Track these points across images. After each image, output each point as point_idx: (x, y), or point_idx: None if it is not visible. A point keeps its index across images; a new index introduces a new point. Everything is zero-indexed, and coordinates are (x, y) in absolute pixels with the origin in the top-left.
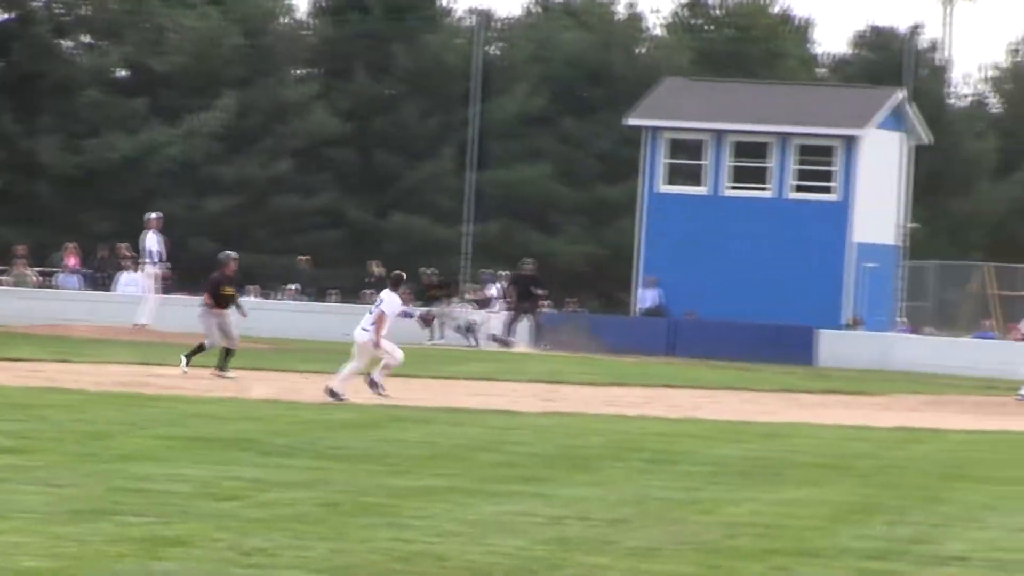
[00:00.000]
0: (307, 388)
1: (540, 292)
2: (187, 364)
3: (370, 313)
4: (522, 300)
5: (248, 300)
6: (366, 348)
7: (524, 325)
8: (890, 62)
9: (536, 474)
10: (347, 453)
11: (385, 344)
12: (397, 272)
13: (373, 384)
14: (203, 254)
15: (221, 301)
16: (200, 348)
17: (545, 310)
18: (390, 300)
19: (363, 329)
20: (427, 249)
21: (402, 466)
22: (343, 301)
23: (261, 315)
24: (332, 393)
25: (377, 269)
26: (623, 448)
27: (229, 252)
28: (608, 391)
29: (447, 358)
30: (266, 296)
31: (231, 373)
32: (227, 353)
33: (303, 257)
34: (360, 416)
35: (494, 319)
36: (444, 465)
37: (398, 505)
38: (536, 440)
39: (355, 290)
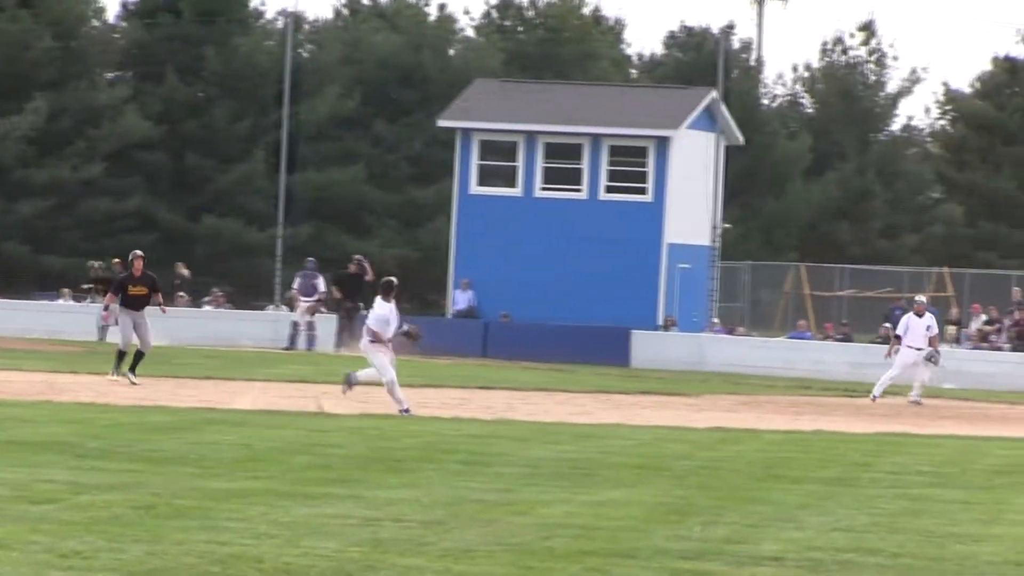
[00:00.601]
0: (119, 391)
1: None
2: (123, 374)
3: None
4: (350, 299)
5: (62, 304)
6: (372, 350)
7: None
8: (702, 63)
9: (350, 476)
10: (162, 456)
11: (381, 358)
12: (387, 279)
13: (350, 382)
14: (14, 257)
15: (131, 302)
16: (122, 355)
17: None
18: (377, 309)
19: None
20: (239, 251)
21: (217, 469)
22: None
23: (70, 318)
24: (402, 411)
25: (183, 271)
26: (437, 450)
27: (136, 251)
28: (422, 392)
29: (262, 360)
30: (78, 299)
31: (135, 378)
32: (138, 356)
33: (116, 260)
34: (174, 419)
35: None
36: (259, 467)
37: (213, 507)
38: (350, 442)
39: (167, 293)
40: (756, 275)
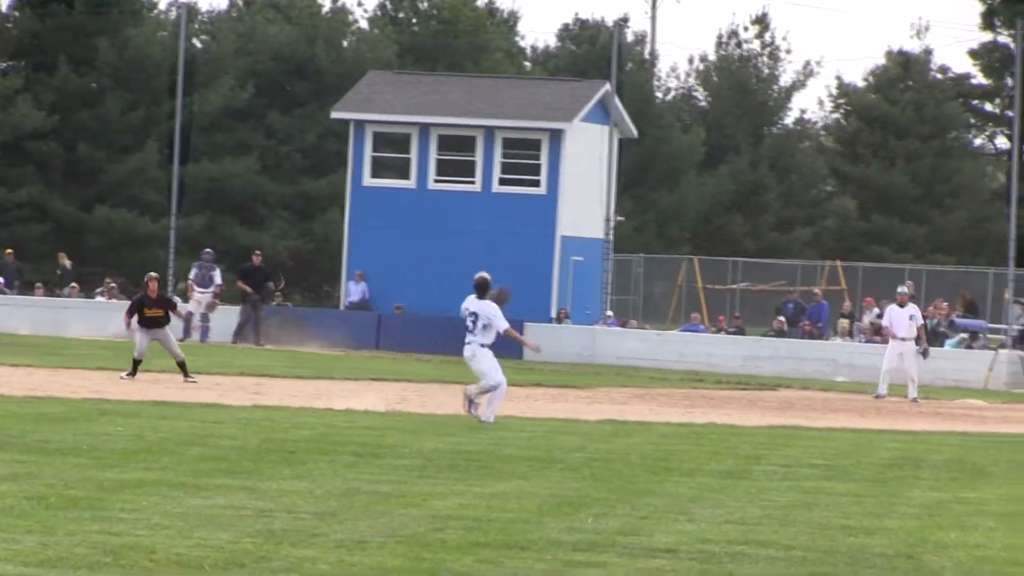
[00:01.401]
0: (12, 381)
1: (271, 285)
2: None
3: (469, 332)
4: (256, 291)
5: None
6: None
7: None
8: (596, 55)
9: (243, 467)
10: (54, 446)
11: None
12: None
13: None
14: None
15: (147, 323)
16: (137, 362)
17: (275, 303)
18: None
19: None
20: (132, 242)
21: (109, 459)
22: (48, 295)
23: None
24: (477, 416)
25: (65, 262)
26: (330, 441)
27: (151, 273)
28: (315, 384)
29: (153, 352)
30: None
31: (189, 379)
32: (180, 366)
33: (8, 251)
34: (67, 409)
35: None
36: (152, 459)
37: (106, 498)
38: (243, 434)
39: (54, 283)
40: (649, 268)
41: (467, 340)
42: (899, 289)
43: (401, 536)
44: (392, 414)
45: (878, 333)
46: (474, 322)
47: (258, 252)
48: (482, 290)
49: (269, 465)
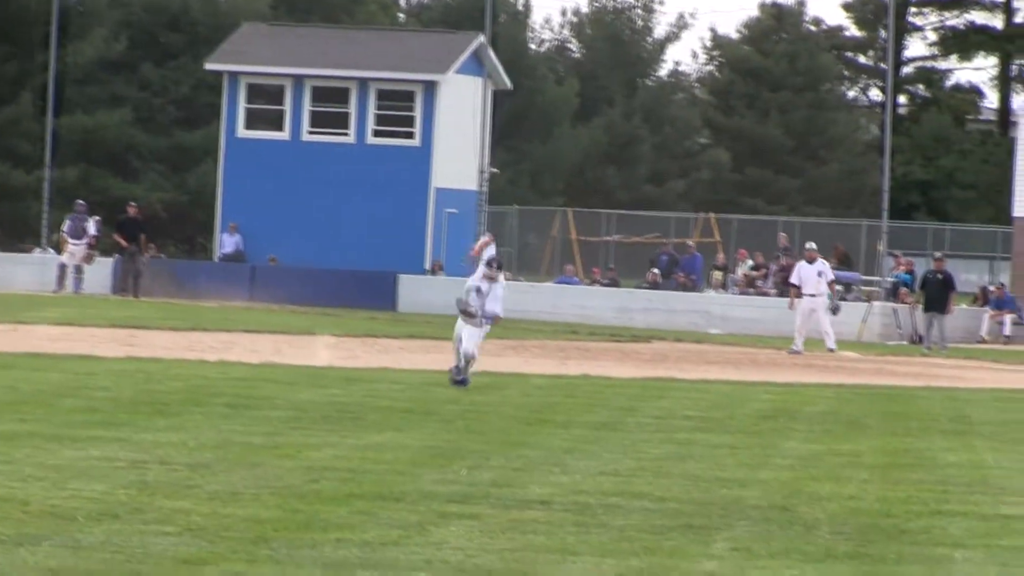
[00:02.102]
0: None
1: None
2: None
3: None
4: (131, 243)
5: None
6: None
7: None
8: (470, 7)
9: (117, 419)
10: None
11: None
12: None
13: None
14: None
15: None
16: None
17: (150, 255)
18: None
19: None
20: (5, 194)
21: None
22: None
23: None
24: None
25: None
26: (204, 393)
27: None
28: (189, 336)
29: (27, 303)
30: None
31: None
32: None
33: None
34: None
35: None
36: (25, 411)
37: None
38: (116, 385)
39: None
40: (523, 220)
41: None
42: (807, 245)
43: (275, 487)
44: (266, 365)
45: (751, 285)
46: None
47: (133, 203)
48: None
49: (143, 417)
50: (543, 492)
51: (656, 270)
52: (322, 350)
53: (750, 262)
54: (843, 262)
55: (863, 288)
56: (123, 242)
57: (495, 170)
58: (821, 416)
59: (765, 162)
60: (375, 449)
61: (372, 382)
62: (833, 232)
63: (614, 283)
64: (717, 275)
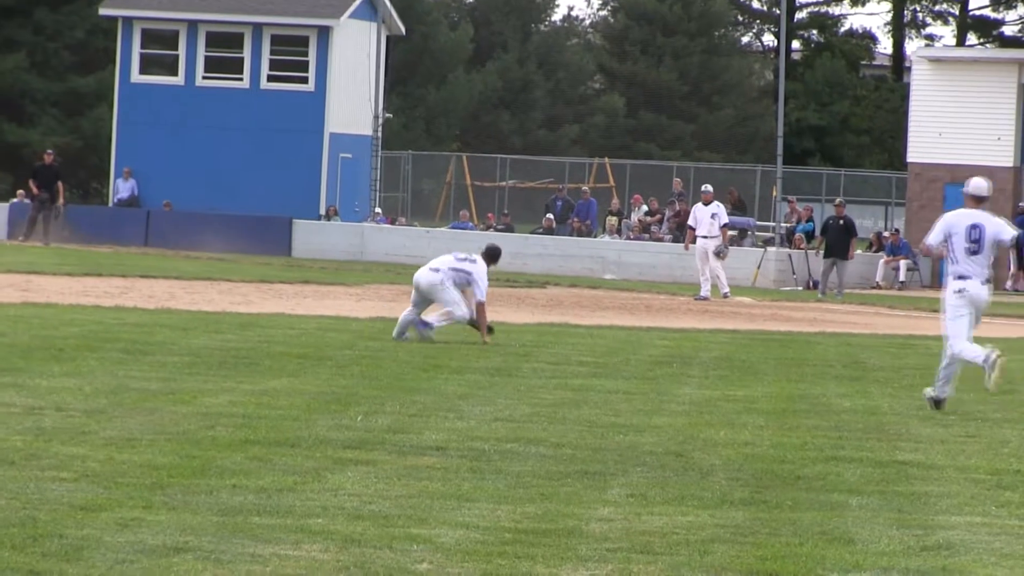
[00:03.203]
0: None
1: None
2: None
3: (456, 258)
4: (43, 190)
5: None
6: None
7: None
8: None
9: (12, 365)
10: None
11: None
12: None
13: (426, 324)
14: None
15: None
16: None
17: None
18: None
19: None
20: None
21: None
22: None
23: None
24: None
25: None
26: (99, 339)
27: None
28: (83, 282)
29: None
30: None
31: None
32: None
33: None
34: None
35: None
36: None
37: None
38: (11, 331)
39: None
40: (417, 165)
41: (435, 268)
42: (704, 187)
43: (171, 433)
44: (161, 311)
45: (646, 231)
46: (465, 277)
47: (50, 151)
48: (493, 258)
49: (38, 362)
50: (438, 438)
51: (551, 215)
52: (216, 295)
53: (644, 207)
54: (738, 207)
55: (758, 234)
56: (35, 189)
57: (389, 115)
58: (715, 362)
59: (659, 107)
60: (270, 395)
61: (267, 328)
62: (727, 177)
63: (509, 228)
64: (612, 220)
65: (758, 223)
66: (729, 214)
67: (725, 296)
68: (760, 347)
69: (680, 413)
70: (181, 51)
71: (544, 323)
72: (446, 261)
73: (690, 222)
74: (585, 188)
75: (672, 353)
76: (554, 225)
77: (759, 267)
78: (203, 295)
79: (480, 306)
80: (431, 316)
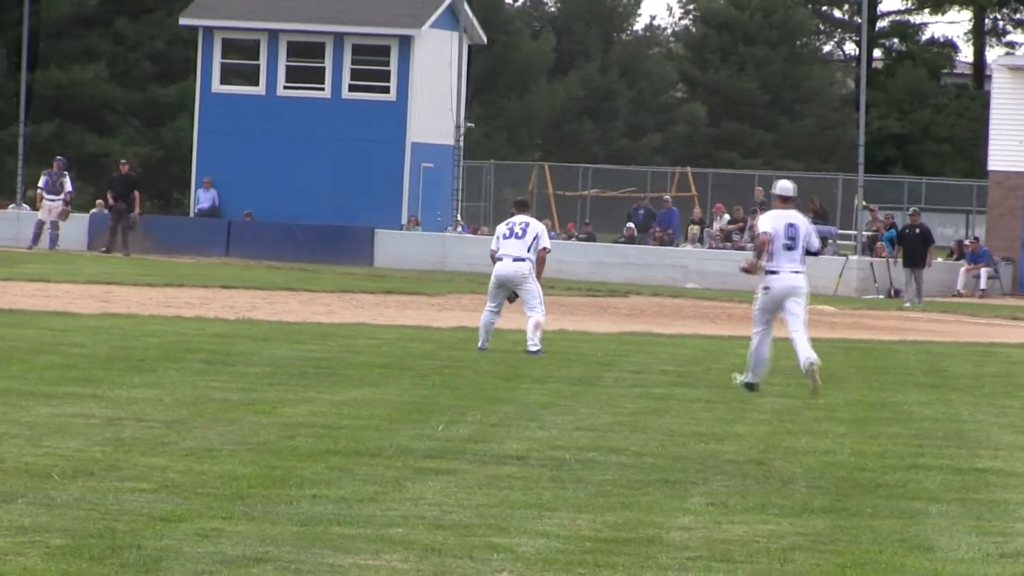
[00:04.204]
0: None
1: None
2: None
3: (517, 238)
4: (120, 201)
5: None
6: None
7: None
8: None
9: (93, 376)
10: None
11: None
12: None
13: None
14: None
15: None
16: None
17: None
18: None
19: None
20: None
21: None
22: None
23: None
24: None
25: None
26: (179, 349)
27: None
28: (164, 292)
29: (2, 260)
30: None
31: None
32: None
33: None
34: None
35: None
36: (0, 367)
37: None
38: (91, 342)
39: None
40: (499, 174)
41: (518, 256)
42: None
43: (251, 444)
44: (242, 321)
45: (727, 239)
46: (524, 230)
47: (125, 160)
48: (523, 207)
49: (118, 373)
50: (519, 447)
51: (632, 224)
52: (297, 305)
53: (727, 216)
54: (819, 216)
55: (839, 242)
56: (111, 200)
57: (471, 124)
58: (796, 370)
59: (741, 116)
60: (351, 405)
61: (348, 338)
62: (809, 186)
63: (591, 238)
64: (694, 229)
65: (840, 232)
66: (812, 222)
67: None
68: (841, 355)
69: (761, 421)
70: (262, 61)
71: (626, 332)
72: (516, 248)
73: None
74: (667, 197)
75: None
76: (636, 234)
77: (840, 276)
78: (284, 305)
79: (545, 253)
80: (530, 343)
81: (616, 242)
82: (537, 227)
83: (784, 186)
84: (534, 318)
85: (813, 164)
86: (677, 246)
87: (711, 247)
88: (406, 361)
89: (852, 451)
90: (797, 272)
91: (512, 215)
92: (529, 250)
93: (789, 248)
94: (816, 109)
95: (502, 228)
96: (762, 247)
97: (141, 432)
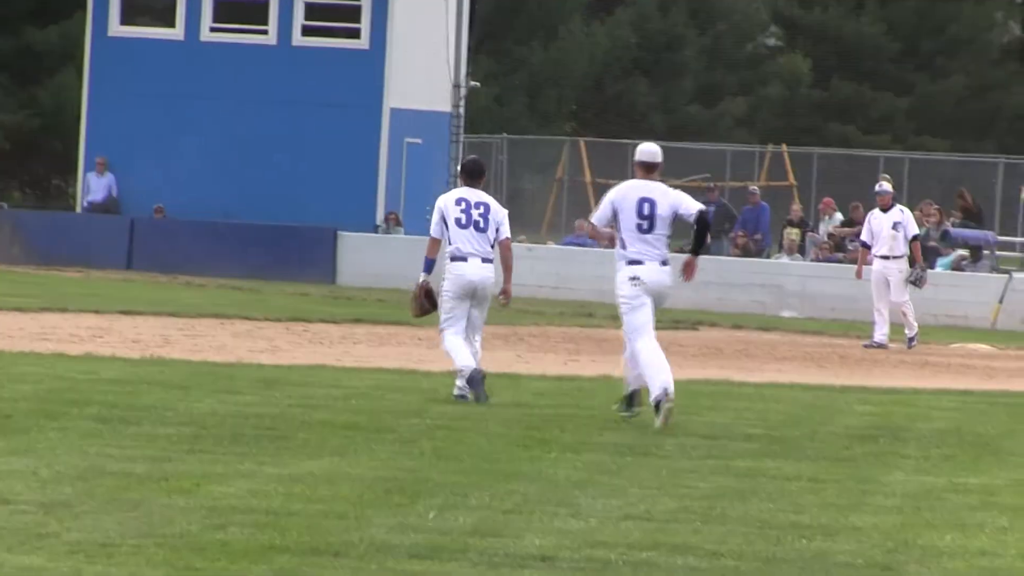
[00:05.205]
0: None
1: None
2: None
3: (478, 230)
4: None
5: None
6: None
7: None
8: None
9: None
10: None
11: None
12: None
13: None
14: None
15: None
16: None
17: None
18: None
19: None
20: None
21: None
22: None
23: None
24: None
25: None
26: (62, 401)
27: None
28: (40, 319)
29: None
30: None
31: None
32: None
33: None
34: None
35: None
36: None
37: None
38: None
39: None
40: (516, 154)
41: (480, 253)
42: (879, 184)
43: (163, 536)
44: (151, 361)
45: (840, 249)
46: (484, 219)
47: None
48: (476, 175)
49: None
50: (544, 544)
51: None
52: (230, 339)
53: (839, 215)
54: (970, 215)
55: (1000, 254)
56: None
57: (476, 84)
58: (940, 436)
59: (860, 74)
60: (306, 482)
61: (301, 386)
62: (956, 172)
63: None
64: (792, 234)
65: (1000, 238)
66: (959, 224)
67: (911, 344)
68: (1003, 415)
69: (888, 509)
70: None
71: (696, 379)
72: (480, 244)
73: (863, 236)
74: (754, 188)
75: (877, 423)
76: (709, 240)
77: (1001, 301)
78: (210, 339)
79: (509, 244)
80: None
81: (682, 251)
82: (498, 212)
83: (648, 150)
84: (479, 343)
85: (962, 142)
86: (768, 257)
87: (816, 259)
88: (383, 419)
89: (1018, 552)
90: (665, 263)
91: (460, 187)
92: (492, 246)
93: (644, 231)
94: (967, 64)
95: (451, 208)
96: (594, 235)
97: (7, 519)
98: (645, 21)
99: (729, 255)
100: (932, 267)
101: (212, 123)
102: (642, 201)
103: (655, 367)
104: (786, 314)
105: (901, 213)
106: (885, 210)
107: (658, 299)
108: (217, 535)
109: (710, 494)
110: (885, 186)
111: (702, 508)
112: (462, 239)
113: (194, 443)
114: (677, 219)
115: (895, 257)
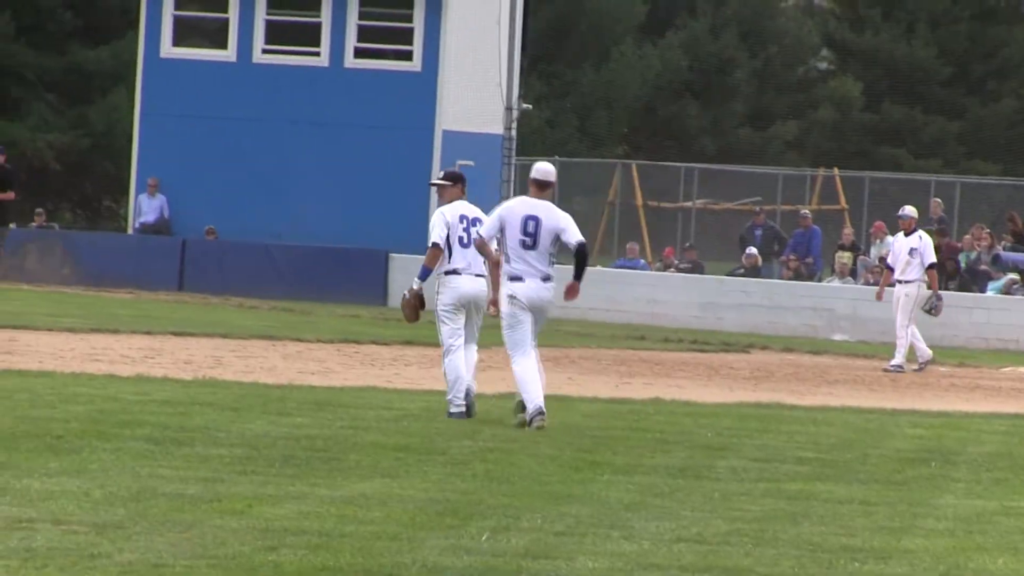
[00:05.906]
0: None
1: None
2: None
3: (465, 246)
4: None
5: None
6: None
7: None
8: None
9: None
10: None
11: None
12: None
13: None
14: None
15: None
16: None
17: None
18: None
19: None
20: None
21: None
22: None
23: None
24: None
25: None
26: (114, 422)
27: None
28: (91, 340)
29: None
30: None
31: None
32: None
33: None
34: None
35: None
36: None
37: None
38: None
39: None
40: (568, 176)
41: (473, 269)
42: (902, 210)
43: (216, 557)
44: (202, 382)
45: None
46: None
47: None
48: (461, 179)
49: (27, 455)
50: (597, 566)
51: (753, 249)
52: (281, 361)
53: (890, 239)
54: (1021, 239)
55: None
56: None
57: (527, 106)
58: (991, 459)
59: (911, 98)
60: (358, 503)
61: (353, 408)
62: (1009, 195)
63: (695, 267)
64: (843, 257)
65: None
66: (1010, 248)
67: (920, 367)
68: None
69: (941, 532)
70: (232, 13)
71: (747, 403)
72: (473, 259)
73: (888, 259)
74: (805, 211)
75: (929, 447)
76: (760, 263)
77: None
78: (261, 360)
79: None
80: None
81: (732, 274)
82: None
83: (543, 168)
84: (475, 355)
85: (1014, 165)
86: (820, 281)
87: (868, 283)
88: (435, 442)
89: None
90: (547, 279)
91: (444, 193)
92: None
93: (526, 247)
94: (1018, 87)
95: (455, 223)
96: (480, 248)
97: (60, 540)
98: (696, 44)
99: (781, 278)
100: (983, 291)
101: (264, 145)
102: (527, 218)
103: (529, 385)
104: (837, 337)
105: (920, 239)
106: (908, 234)
107: (538, 314)
108: (269, 556)
109: (762, 516)
110: (908, 210)
111: (754, 531)
112: (459, 256)
113: (246, 464)
114: (559, 242)
115: (906, 281)
